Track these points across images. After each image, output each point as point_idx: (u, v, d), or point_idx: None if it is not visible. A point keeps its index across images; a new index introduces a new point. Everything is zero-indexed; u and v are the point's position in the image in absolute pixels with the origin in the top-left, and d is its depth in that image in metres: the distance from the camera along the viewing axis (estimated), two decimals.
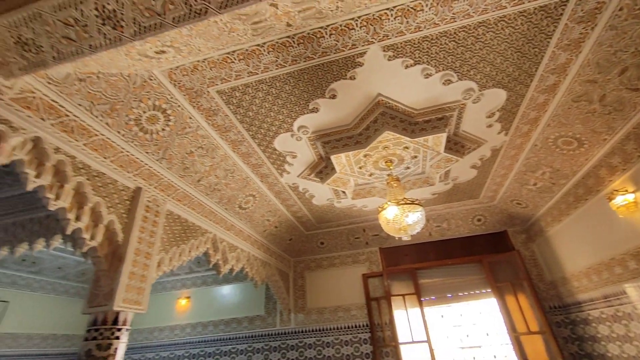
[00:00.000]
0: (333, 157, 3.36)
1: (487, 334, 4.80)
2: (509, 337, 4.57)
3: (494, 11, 2.08)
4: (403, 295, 5.15)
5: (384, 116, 2.97)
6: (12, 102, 1.60)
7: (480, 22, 2.16)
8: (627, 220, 3.03)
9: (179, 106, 2.50)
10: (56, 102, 1.81)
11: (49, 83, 1.72)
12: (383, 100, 2.81)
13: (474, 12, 2.08)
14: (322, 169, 3.75)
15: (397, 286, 5.34)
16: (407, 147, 3.47)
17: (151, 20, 1.39)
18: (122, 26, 1.38)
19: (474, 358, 4.71)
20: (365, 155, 3.52)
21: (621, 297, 3.32)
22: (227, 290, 6.01)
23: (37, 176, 1.80)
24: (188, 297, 6.03)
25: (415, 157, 3.69)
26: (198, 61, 2.20)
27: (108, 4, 1.29)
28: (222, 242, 3.66)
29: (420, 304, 5.03)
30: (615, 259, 3.32)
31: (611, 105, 2.73)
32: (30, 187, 1.79)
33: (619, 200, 2.95)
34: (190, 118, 2.66)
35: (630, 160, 2.90)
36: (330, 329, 5.19)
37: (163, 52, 1.86)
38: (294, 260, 6.00)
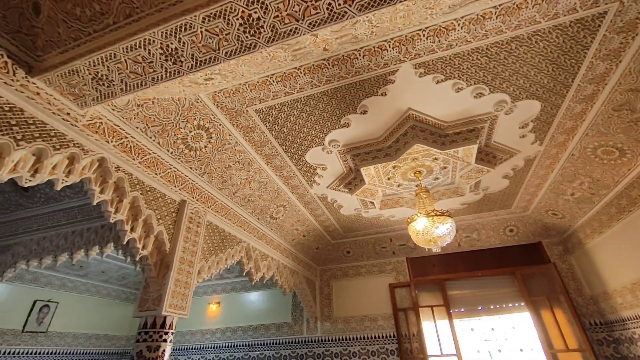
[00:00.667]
0: (362, 170, 3.43)
1: (521, 350, 4.62)
2: (544, 353, 4.39)
3: (527, 26, 2.10)
4: (431, 306, 5.08)
5: (414, 129, 3.01)
6: (85, 127, 1.81)
7: (513, 38, 2.18)
8: None
9: (220, 125, 2.68)
10: (118, 125, 2.02)
11: (113, 110, 1.93)
12: (413, 115, 2.86)
13: (507, 29, 2.10)
14: (351, 180, 3.83)
15: (425, 297, 5.28)
16: (436, 159, 3.48)
17: (207, 55, 1.54)
18: (181, 61, 1.54)
19: None
20: (394, 167, 3.57)
21: None
22: (255, 297, 6.16)
23: (101, 192, 2.01)
24: (218, 303, 6.24)
25: (445, 167, 3.68)
26: (240, 84, 2.36)
27: (171, 43, 1.45)
28: (255, 250, 3.81)
29: (450, 316, 4.93)
30: None
31: None
32: (95, 201, 1.99)
33: None
34: (230, 135, 2.84)
35: None
36: (357, 339, 5.19)
37: (211, 79, 2.03)
38: (320, 268, 6.08)
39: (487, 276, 5.18)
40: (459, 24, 2.04)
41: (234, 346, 5.82)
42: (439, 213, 3.20)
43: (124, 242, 2.20)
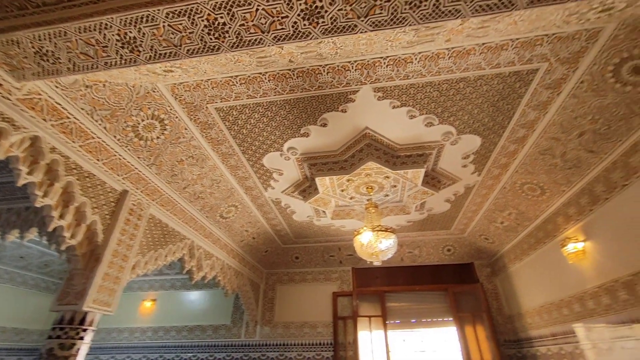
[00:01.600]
0: (318, 179, 3.52)
1: None
2: None
3: (474, 70, 2.34)
4: (369, 316, 5.29)
5: (369, 147, 3.17)
6: (19, 102, 1.66)
7: (461, 78, 2.41)
8: (575, 267, 3.33)
9: (176, 117, 2.60)
10: (60, 104, 1.88)
11: (56, 87, 1.80)
12: (370, 133, 3.01)
13: (457, 69, 2.33)
14: (305, 188, 3.90)
15: (365, 307, 5.48)
16: (387, 177, 3.69)
17: (167, 49, 1.51)
18: (139, 51, 1.50)
19: None
20: (348, 180, 3.71)
21: (566, 336, 3.60)
22: (195, 296, 5.94)
23: (30, 173, 1.84)
24: (154, 300, 5.90)
25: (395, 186, 3.91)
26: (202, 80, 2.32)
27: (130, 31, 1.41)
28: (199, 249, 3.70)
29: (385, 326, 5.17)
30: (563, 300, 3.62)
31: (570, 161, 3.06)
32: (20, 182, 1.82)
33: (570, 247, 3.26)
34: (186, 129, 2.76)
35: (583, 212, 3.22)
36: (295, 345, 5.23)
37: (171, 71, 1.98)
38: (267, 272, 6.04)
39: (424, 291, 5.52)
40: (416, 58, 2.22)
41: (165, 347, 5.53)
42: (383, 229, 3.38)
43: (50, 229, 2.03)
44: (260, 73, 2.28)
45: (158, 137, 2.64)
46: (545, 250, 3.93)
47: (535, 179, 3.48)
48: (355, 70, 2.30)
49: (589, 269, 3.16)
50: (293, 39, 1.54)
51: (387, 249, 3.38)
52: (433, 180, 3.78)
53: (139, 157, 2.63)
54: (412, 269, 5.76)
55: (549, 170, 3.28)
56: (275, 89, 2.44)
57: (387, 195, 4.14)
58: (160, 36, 1.46)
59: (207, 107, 2.59)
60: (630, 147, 2.56)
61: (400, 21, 1.50)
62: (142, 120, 2.44)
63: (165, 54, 1.56)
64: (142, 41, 1.47)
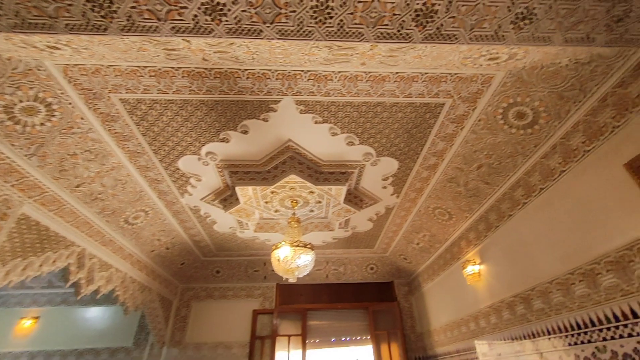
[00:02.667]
0: (238, 189, 3.36)
1: None
2: None
3: (389, 97, 2.48)
4: (289, 335, 5.13)
5: (292, 160, 3.14)
6: None
7: (378, 102, 2.53)
8: (473, 288, 3.65)
9: (69, 104, 2.27)
10: None
11: None
12: (293, 146, 2.99)
13: (374, 93, 2.44)
14: (227, 197, 3.70)
15: (286, 325, 5.32)
16: (312, 192, 3.68)
17: (40, 19, 1.30)
18: None
19: None
20: (272, 192, 3.61)
21: (466, 352, 3.88)
22: (93, 314, 5.16)
23: None
24: (36, 318, 4.97)
25: (320, 202, 3.92)
26: (102, 66, 2.07)
27: None
28: (92, 258, 3.22)
29: (304, 346, 5.05)
30: (463, 319, 3.92)
31: (471, 191, 3.39)
32: None
33: (469, 269, 3.56)
34: (82, 119, 2.42)
35: (480, 237, 3.56)
36: None
37: (57, 48, 1.72)
38: (182, 286, 5.55)
39: (346, 309, 5.56)
40: (336, 77, 2.27)
41: None
42: (302, 244, 3.33)
43: None
44: (173, 67, 2.12)
45: (43, 124, 2.26)
46: (451, 271, 4.25)
47: (444, 204, 3.78)
48: (276, 79, 2.26)
49: (482, 290, 3.47)
50: (195, 34, 1.45)
51: (304, 265, 3.32)
52: (356, 199, 3.88)
53: (12, 145, 2.22)
54: (336, 286, 5.79)
55: (455, 197, 3.59)
56: (190, 87, 2.28)
57: (312, 211, 4.13)
58: (28, 2, 1.25)
59: (109, 97, 2.32)
60: (515, 182, 2.92)
61: (307, 34, 1.51)
62: (21, 102, 2.07)
63: (38, 24, 1.34)
64: (2, 3, 1.24)
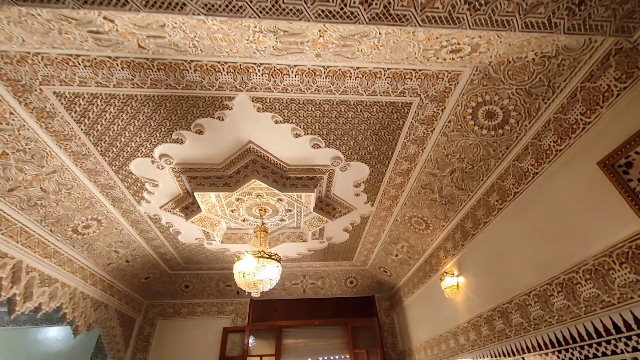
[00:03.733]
0: (199, 195, 3.12)
1: None
2: None
3: (352, 94, 2.31)
4: (261, 355, 4.78)
5: (255, 164, 2.93)
6: None
7: (341, 100, 2.37)
8: (451, 302, 3.43)
9: None
10: None
11: None
12: (254, 148, 2.79)
13: (335, 90, 2.27)
14: (188, 205, 3.44)
15: (259, 344, 4.96)
16: (281, 200, 3.46)
17: None
18: None
19: None
20: (237, 200, 3.38)
21: None
22: (46, 334, 4.73)
23: None
24: None
25: (290, 210, 3.69)
26: (27, 53, 1.86)
27: None
28: (32, 271, 2.90)
29: None
30: (442, 335, 3.68)
31: (446, 197, 3.22)
32: None
33: (447, 282, 3.35)
34: (12, 114, 2.19)
35: (457, 247, 3.37)
36: None
37: None
38: (147, 302, 5.17)
39: (323, 325, 5.25)
40: (292, 71, 2.10)
41: None
42: (267, 255, 3.08)
43: None
44: (109, 57, 1.92)
45: None
46: (430, 284, 4.03)
47: (420, 213, 3.60)
48: (227, 73, 2.08)
49: (461, 304, 3.26)
50: (107, 5, 1.25)
51: (269, 279, 3.06)
52: (328, 207, 3.68)
53: None
54: (314, 301, 5.49)
55: (430, 205, 3.42)
56: (132, 79, 2.08)
57: (283, 220, 3.90)
58: None
59: (41, 89, 2.09)
60: (489, 187, 2.76)
61: (238, 10, 1.33)
62: None
63: None
64: None
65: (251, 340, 4.95)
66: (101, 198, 3.14)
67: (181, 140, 2.61)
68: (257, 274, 2.97)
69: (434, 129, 2.63)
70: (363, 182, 3.29)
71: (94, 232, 3.45)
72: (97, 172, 2.85)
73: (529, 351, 2.28)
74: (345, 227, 4.18)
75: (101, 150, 2.63)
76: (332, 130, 2.63)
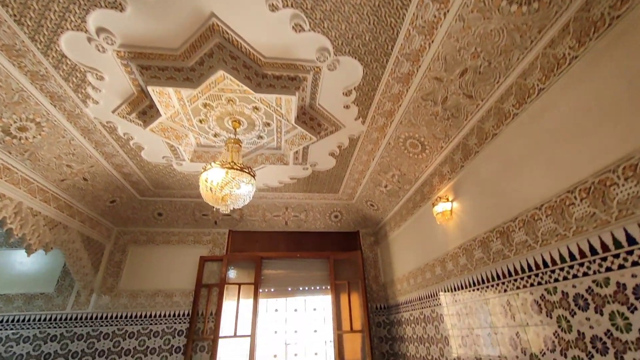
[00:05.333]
0: (154, 93, 2.56)
1: (315, 331, 4.70)
2: (332, 334, 4.53)
3: None
4: (239, 284, 4.63)
5: (222, 51, 2.35)
6: None
7: None
8: (442, 228, 3.16)
9: None
10: None
11: None
12: (219, 26, 2.18)
13: None
14: (146, 109, 2.90)
15: (239, 274, 4.80)
16: (257, 108, 2.95)
17: None
18: None
19: (296, 355, 4.52)
20: (205, 105, 2.85)
21: (427, 300, 3.49)
22: (16, 258, 4.41)
23: None
24: None
25: (269, 125, 3.20)
26: None
27: None
28: None
29: (256, 295, 4.59)
30: (428, 264, 3.49)
31: (450, 110, 2.76)
32: None
33: (439, 207, 3.04)
34: None
35: (455, 170, 3.01)
36: (140, 317, 4.26)
37: None
38: (118, 230, 4.83)
39: (305, 258, 5.10)
40: None
41: None
42: (238, 167, 2.65)
43: None
44: None
45: None
46: (420, 214, 3.75)
47: (417, 133, 3.17)
48: None
49: (453, 230, 2.99)
50: None
51: (241, 193, 2.66)
52: (312, 122, 3.19)
53: None
54: (296, 235, 5.27)
55: (430, 122, 2.97)
56: None
57: (262, 138, 3.42)
58: None
59: None
60: (506, 90, 2.30)
61: None
62: None
63: None
64: None
65: (230, 270, 4.76)
66: (34, 92, 2.55)
67: (121, 4, 1.98)
68: (225, 188, 2.56)
69: (448, 10, 2.07)
70: (354, 88, 2.78)
71: (34, 137, 2.91)
72: (18, 52, 2.23)
73: (530, 270, 2.02)
74: (331, 151, 3.75)
75: (14, 14, 1.99)
76: (318, 3, 2.03)
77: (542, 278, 1.94)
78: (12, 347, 3.85)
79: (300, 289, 4.91)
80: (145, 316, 4.28)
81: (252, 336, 4.29)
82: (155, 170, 3.95)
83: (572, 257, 1.73)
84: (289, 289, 4.89)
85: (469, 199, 2.77)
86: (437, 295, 3.27)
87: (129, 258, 4.63)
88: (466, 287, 2.75)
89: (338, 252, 5.12)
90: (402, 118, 3.08)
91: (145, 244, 4.79)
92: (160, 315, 4.31)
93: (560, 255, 1.81)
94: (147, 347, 4.10)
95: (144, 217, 4.78)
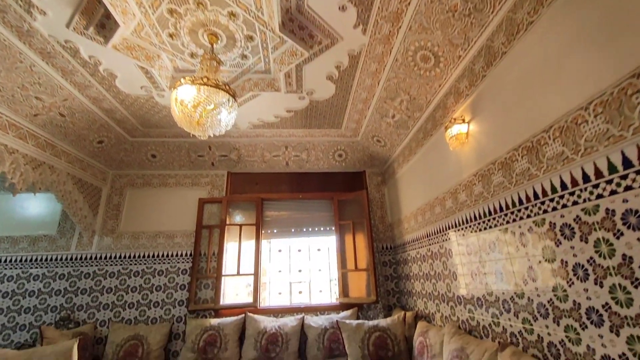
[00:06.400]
0: None
1: (320, 270, 4.64)
2: (337, 273, 4.44)
3: None
4: (240, 224, 4.50)
5: None
6: None
7: None
8: (456, 155, 2.75)
9: None
10: None
11: None
12: None
13: None
14: (103, 21, 2.44)
15: (239, 216, 4.66)
16: (234, 14, 2.44)
17: None
18: None
19: (300, 292, 4.52)
20: (171, 12, 2.37)
21: (435, 236, 3.23)
22: (17, 202, 4.38)
23: None
24: None
25: (251, 38, 2.70)
26: None
27: None
28: None
29: (258, 236, 4.47)
30: (438, 198, 3.15)
31: (472, 1, 2.18)
32: None
33: (455, 129, 2.60)
34: None
35: (474, 83, 2.50)
36: (144, 257, 4.26)
37: None
38: (113, 173, 4.67)
39: (308, 199, 4.87)
40: None
41: None
42: (213, 83, 2.25)
43: None
44: None
45: None
46: (431, 143, 3.33)
47: (430, 40, 2.61)
48: None
49: (468, 155, 2.57)
50: None
51: (219, 114, 2.30)
52: (302, 32, 2.66)
53: None
54: (298, 176, 4.99)
55: (446, 22, 2.40)
56: None
57: (246, 58, 2.94)
58: None
59: None
60: None
61: None
62: None
63: None
64: None
65: (230, 211, 4.61)
66: None
67: None
68: (198, 108, 2.19)
69: None
70: None
71: None
72: None
73: (572, 185, 1.63)
74: (329, 73, 3.24)
75: None
76: None
77: (578, 196, 1.56)
78: (23, 284, 3.96)
79: (304, 230, 4.76)
80: (148, 256, 4.27)
81: (256, 274, 4.26)
82: (137, 104, 3.59)
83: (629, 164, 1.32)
84: (292, 230, 4.75)
85: (489, 117, 2.30)
86: (446, 230, 2.98)
87: (127, 201, 4.53)
88: (481, 218, 2.42)
89: (342, 193, 4.85)
90: (411, 22, 2.51)
91: (142, 186, 4.65)
92: (163, 255, 4.29)
93: (611, 166, 1.40)
94: (153, 284, 4.14)
95: (138, 159, 4.57)
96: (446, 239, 2.99)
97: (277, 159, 4.83)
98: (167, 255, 4.30)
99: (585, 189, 1.51)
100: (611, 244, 1.39)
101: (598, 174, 1.45)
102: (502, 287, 2.16)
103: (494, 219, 2.26)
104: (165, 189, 4.67)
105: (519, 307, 2.01)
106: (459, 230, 2.74)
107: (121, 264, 4.20)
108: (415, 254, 3.78)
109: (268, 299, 4.63)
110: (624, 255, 1.34)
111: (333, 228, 4.74)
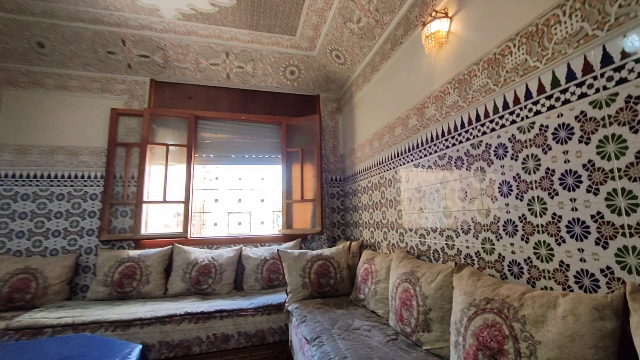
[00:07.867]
0: None
1: (262, 200, 4.22)
2: (281, 204, 4.08)
3: None
4: (167, 145, 3.75)
5: None
6: None
7: None
8: (430, 61, 2.33)
9: None
10: None
11: None
12: None
13: None
14: None
15: (166, 134, 3.87)
16: None
17: None
18: None
19: (240, 223, 4.11)
20: None
21: (390, 162, 2.93)
22: None
23: None
24: None
25: None
26: None
27: None
28: None
29: (190, 159, 3.80)
30: (400, 117, 2.79)
31: None
32: None
33: (434, 27, 2.12)
34: None
35: None
36: (35, 177, 3.37)
37: None
38: None
39: (252, 122, 4.22)
40: None
41: None
42: None
43: None
44: None
45: None
46: (399, 55, 2.85)
47: None
48: None
49: (446, 59, 2.16)
50: None
51: None
52: None
53: None
54: (241, 93, 4.24)
55: None
56: None
57: None
58: None
59: None
60: None
61: None
62: None
63: None
64: None
65: (154, 127, 3.79)
66: None
67: None
68: None
69: None
70: None
71: None
72: None
73: (578, 76, 1.31)
74: None
75: None
76: None
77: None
78: None
79: (246, 156, 4.18)
80: (43, 176, 3.38)
81: (187, 202, 3.68)
82: None
83: None
84: (232, 155, 4.14)
85: (481, 4, 1.85)
86: (405, 153, 2.67)
87: (3, 104, 3.41)
88: (451, 133, 2.10)
89: (292, 118, 4.28)
90: None
91: (30, 87, 3.52)
92: (64, 177, 3.44)
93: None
94: (50, 210, 3.34)
95: (18, 48, 3.36)
96: (404, 163, 2.69)
97: (216, 69, 3.98)
98: (70, 177, 3.45)
99: (525, 106, 1.46)
100: (538, 159, 1.42)
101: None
102: (458, 206, 1.94)
103: (466, 131, 1.94)
104: (65, 93, 3.61)
105: (459, 229, 1.81)
106: (422, 150, 2.43)
107: (4, 185, 3.27)
108: (366, 183, 3.51)
109: (202, 230, 4.15)
110: (547, 169, 1.38)
111: (279, 156, 4.25)
